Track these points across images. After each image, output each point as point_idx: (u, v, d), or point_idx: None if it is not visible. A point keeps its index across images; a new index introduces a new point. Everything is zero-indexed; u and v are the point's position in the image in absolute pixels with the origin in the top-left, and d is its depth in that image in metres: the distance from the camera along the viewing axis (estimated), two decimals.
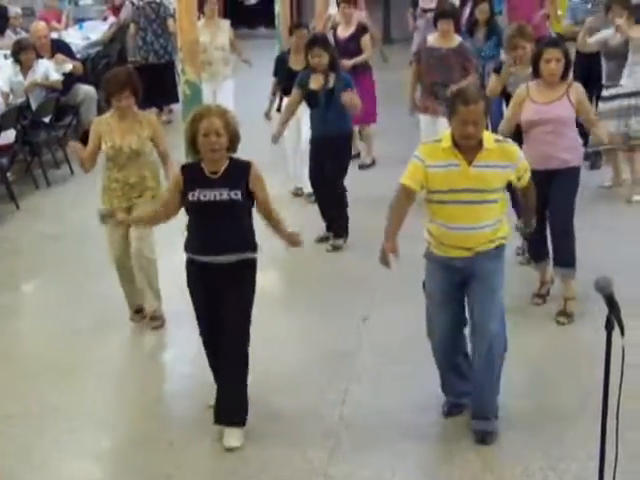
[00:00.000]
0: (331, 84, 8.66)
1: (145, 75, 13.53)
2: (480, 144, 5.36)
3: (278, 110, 10.00)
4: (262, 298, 5.95)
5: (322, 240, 9.08)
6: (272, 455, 5.62)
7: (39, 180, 11.16)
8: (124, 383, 6.58)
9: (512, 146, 5.54)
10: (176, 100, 13.87)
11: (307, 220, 9.11)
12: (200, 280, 5.70)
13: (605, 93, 9.81)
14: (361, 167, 11.41)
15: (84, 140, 12.23)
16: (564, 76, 7.01)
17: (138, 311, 7.43)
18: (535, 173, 6.42)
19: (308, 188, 9.77)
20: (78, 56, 12.97)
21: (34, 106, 11.36)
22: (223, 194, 5.55)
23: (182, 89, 9.43)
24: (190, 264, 5.75)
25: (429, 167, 5.40)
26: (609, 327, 3.58)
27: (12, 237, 9.60)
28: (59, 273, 8.50)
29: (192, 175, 5.64)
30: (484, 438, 5.63)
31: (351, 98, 8.54)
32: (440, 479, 5.37)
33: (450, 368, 5.87)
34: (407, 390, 6.21)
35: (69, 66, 12.15)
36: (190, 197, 5.58)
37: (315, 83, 8.72)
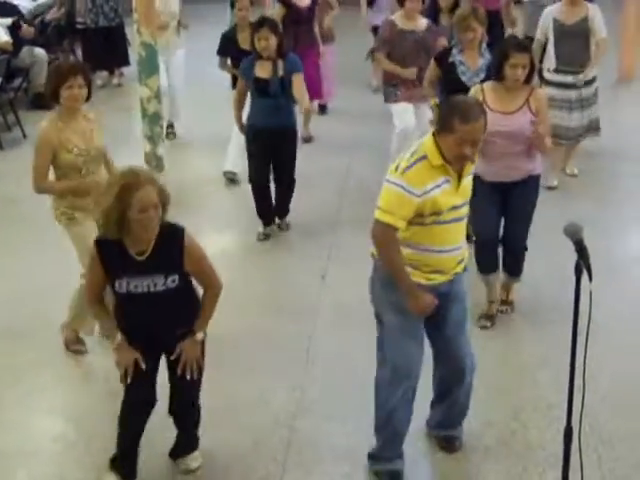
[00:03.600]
0: (281, 72, 8.01)
1: (96, 38, 13.63)
2: None
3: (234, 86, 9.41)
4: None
5: (266, 238, 8.50)
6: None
7: None
8: (88, 339, 6.59)
9: None
10: (127, 63, 13.81)
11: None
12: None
13: (560, 78, 9.20)
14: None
15: (35, 103, 12.29)
16: (527, 80, 6.38)
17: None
18: (493, 185, 6.39)
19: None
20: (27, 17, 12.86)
21: None
22: (158, 284, 4.70)
23: (137, 50, 9.35)
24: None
25: (424, 195, 4.59)
26: (578, 272, 3.69)
27: None
28: (16, 237, 8.45)
29: (113, 256, 4.65)
30: (454, 444, 5.41)
31: (302, 96, 8.09)
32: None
33: (407, 418, 5.13)
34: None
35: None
36: (117, 287, 4.71)
37: (262, 71, 8.02)
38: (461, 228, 4.85)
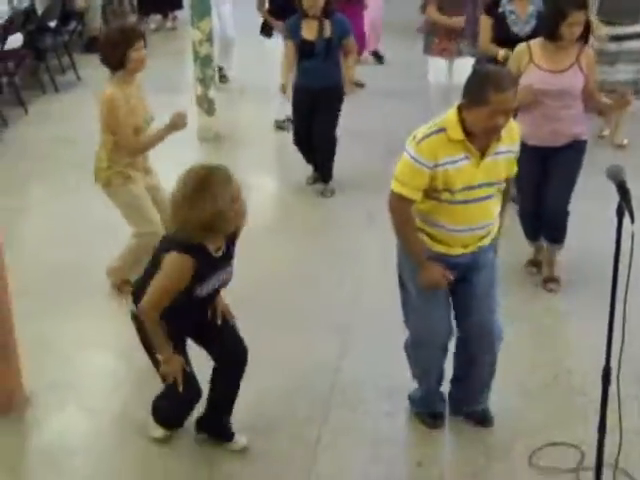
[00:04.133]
0: (328, 33, 7.85)
1: None
2: None
3: (262, 31, 9.57)
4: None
5: (315, 181, 8.49)
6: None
7: (46, 85, 11.17)
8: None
9: (514, 122, 4.73)
10: (180, 6, 13.85)
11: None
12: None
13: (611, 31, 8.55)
14: None
15: (89, 47, 12.39)
16: (581, 38, 6.07)
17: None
18: (536, 150, 6.12)
19: None
20: None
21: (40, 11, 11.32)
22: (227, 275, 4.64)
23: None
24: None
25: (436, 167, 4.44)
26: (620, 213, 3.68)
27: (21, 141, 9.64)
28: (68, 177, 8.57)
29: (203, 262, 4.41)
30: (487, 417, 5.22)
31: (353, 63, 8.11)
32: None
33: (441, 374, 5.14)
34: None
35: None
36: (198, 292, 4.49)
37: (309, 32, 7.86)
38: (484, 208, 4.60)
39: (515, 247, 6.76)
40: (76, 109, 10.42)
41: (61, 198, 8.20)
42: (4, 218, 7.18)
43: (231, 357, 4.85)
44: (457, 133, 4.43)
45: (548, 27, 6.03)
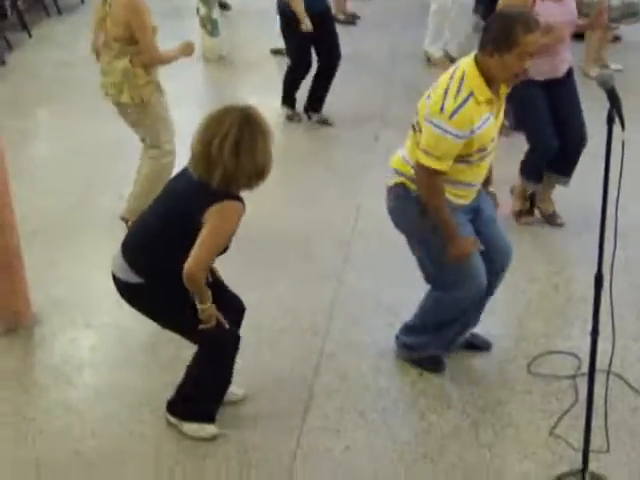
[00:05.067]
0: None
1: None
2: None
3: None
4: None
5: (324, 122, 8.27)
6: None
7: (50, 8, 11.14)
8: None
9: None
10: None
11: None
12: None
13: None
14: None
15: None
16: None
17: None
18: (543, 85, 5.92)
19: None
20: None
21: None
22: None
23: None
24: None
25: (472, 133, 4.30)
26: (610, 121, 3.70)
27: (26, 64, 9.67)
28: (73, 99, 8.60)
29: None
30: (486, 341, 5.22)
31: None
32: None
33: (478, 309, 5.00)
34: None
35: None
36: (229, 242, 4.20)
37: None
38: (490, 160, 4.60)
39: None
40: (80, 31, 10.30)
41: (66, 120, 8.25)
42: (10, 139, 7.21)
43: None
44: (485, 92, 4.29)
45: None
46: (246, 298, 5.38)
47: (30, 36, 10.35)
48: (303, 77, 8.19)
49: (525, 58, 4.22)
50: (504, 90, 4.46)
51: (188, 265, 3.97)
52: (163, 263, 4.15)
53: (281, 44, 8.87)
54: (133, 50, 5.93)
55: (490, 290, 4.88)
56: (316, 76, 8.18)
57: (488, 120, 4.33)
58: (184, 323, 4.29)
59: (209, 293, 4.16)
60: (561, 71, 6.04)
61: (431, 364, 5.00)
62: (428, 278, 4.84)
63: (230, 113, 3.98)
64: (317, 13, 7.78)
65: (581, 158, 6.23)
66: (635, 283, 5.64)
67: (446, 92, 4.26)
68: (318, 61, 8.11)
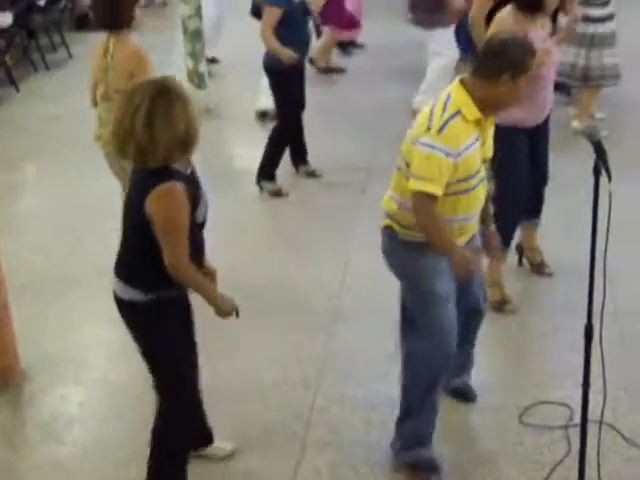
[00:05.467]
0: None
1: None
2: None
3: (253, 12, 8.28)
4: None
5: (312, 174, 8.09)
6: None
7: (37, 63, 11.19)
8: None
9: None
10: None
11: None
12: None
13: (598, 13, 8.25)
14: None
15: (79, 24, 12.41)
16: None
17: None
18: (526, 132, 5.73)
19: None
20: None
21: None
22: (205, 196, 4.08)
23: None
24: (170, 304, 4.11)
25: (459, 155, 4.15)
26: (597, 172, 3.74)
27: (14, 119, 9.69)
28: (61, 153, 8.62)
29: (186, 182, 3.88)
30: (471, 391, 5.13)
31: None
32: None
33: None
34: None
35: None
36: (197, 217, 3.98)
37: None
38: (484, 186, 4.43)
39: None
40: (68, 86, 10.44)
41: (54, 174, 8.26)
42: None
43: None
44: (474, 112, 4.19)
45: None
46: (236, 352, 5.38)
47: (18, 91, 10.39)
48: (290, 140, 7.85)
49: (527, 83, 4.26)
50: (491, 121, 4.38)
51: (168, 265, 3.86)
52: (144, 268, 3.98)
53: (266, 103, 8.88)
54: None
55: (468, 337, 4.84)
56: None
57: (474, 144, 4.22)
58: (164, 354, 4.14)
59: (212, 286, 4.11)
60: (546, 114, 5.92)
61: (426, 470, 4.62)
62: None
63: (143, 86, 3.82)
64: (298, 65, 7.50)
65: (569, 208, 6.24)
66: (625, 332, 5.63)
67: (431, 113, 4.18)
68: None
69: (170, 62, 10.63)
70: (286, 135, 7.76)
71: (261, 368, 5.47)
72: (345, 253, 6.72)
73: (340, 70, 10.85)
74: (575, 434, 4.50)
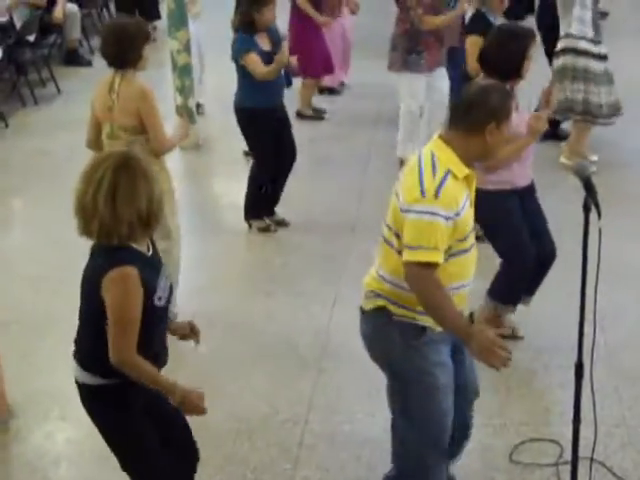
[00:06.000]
0: (270, 45, 7.36)
1: None
2: None
3: None
4: None
5: (280, 223, 7.85)
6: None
7: (26, 99, 11.18)
8: None
9: None
10: (158, 17, 13.84)
11: None
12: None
13: (594, 49, 8.17)
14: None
15: (68, 59, 12.44)
16: None
17: None
18: (517, 194, 5.54)
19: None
20: None
21: (18, 25, 11.33)
22: (167, 276, 3.86)
23: (167, 3, 9.43)
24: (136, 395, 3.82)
25: (458, 215, 3.83)
26: (586, 209, 3.75)
27: (2, 154, 9.67)
28: (50, 188, 8.60)
29: (144, 265, 3.67)
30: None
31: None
32: None
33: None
34: None
35: None
36: (157, 302, 3.71)
37: (265, 44, 7.31)
38: (477, 251, 4.10)
39: None
40: (56, 121, 10.44)
41: (43, 209, 8.23)
42: None
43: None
44: (462, 169, 3.88)
45: (512, 66, 5.40)
46: (225, 388, 5.35)
47: (7, 126, 10.37)
48: (270, 179, 7.64)
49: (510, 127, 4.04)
50: (475, 176, 4.07)
51: (111, 356, 3.62)
52: (103, 353, 3.68)
53: None
54: (142, 139, 5.79)
55: (465, 427, 4.42)
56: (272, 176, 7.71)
57: (467, 202, 3.92)
58: (131, 453, 3.91)
59: (165, 378, 3.73)
60: (531, 176, 5.70)
61: None
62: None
63: (106, 159, 3.64)
64: (272, 107, 7.38)
65: (563, 244, 6.17)
66: (614, 367, 5.62)
67: (420, 177, 3.84)
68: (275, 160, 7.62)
69: (160, 97, 10.64)
70: (263, 176, 7.62)
71: (249, 405, 5.44)
72: (333, 289, 6.70)
73: (322, 112, 10.53)
74: (566, 471, 4.49)
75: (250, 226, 7.72)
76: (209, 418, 5.13)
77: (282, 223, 7.85)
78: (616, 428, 5.14)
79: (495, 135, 3.90)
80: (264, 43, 7.29)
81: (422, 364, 4.01)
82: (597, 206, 3.77)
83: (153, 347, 3.76)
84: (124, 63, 5.77)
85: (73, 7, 12.63)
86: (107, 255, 3.63)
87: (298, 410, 5.38)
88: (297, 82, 9.46)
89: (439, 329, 3.95)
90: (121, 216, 3.54)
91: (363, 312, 4.16)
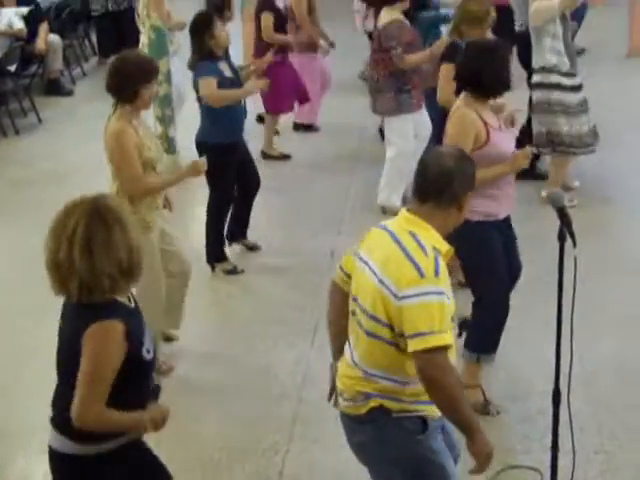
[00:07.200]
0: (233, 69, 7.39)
1: (106, 23, 13.77)
2: None
3: None
4: None
5: (252, 248, 7.90)
6: None
7: (7, 128, 11.19)
8: None
9: None
10: (138, 46, 13.89)
11: None
12: None
13: (568, 82, 8.13)
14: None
15: (49, 89, 12.47)
16: None
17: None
18: (497, 225, 5.38)
19: None
20: (41, 5, 12.95)
21: None
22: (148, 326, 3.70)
23: (147, 34, 9.49)
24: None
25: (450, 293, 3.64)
26: (561, 238, 3.79)
27: None
28: (31, 218, 8.58)
29: (129, 319, 3.48)
30: None
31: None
32: None
33: None
34: None
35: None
36: (145, 355, 3.50)
37: (227, 70, 7.24)
38: None
39: None
40: (37, 151, 10.46)
41: (22, 241, 8.21)
42: None
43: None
44: (444, 244, 3.66)
45: (500, 81, 5.29)
46: (205, 417, 5.33)
47: None
48: (227, 214, 7.53)
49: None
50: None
51: (74, 411, 3.36)
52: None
53: None
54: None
55: None
56: (237, 205, 7.64)
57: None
58: None
59: (124, 418, 3.46)
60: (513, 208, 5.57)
61: None
62: None
63: (76, 208, 3.39)
64: (234, 141, 7.27)
65: (540, 274, 6.14)
66: (592, 395, 5.64)
67: (411, 259, 3.55)
68: (238, 190, 7.56)
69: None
70: (221, 211, 7.50)
71: (230, 434, 5.43)
72: (314, 318, 6.71)
73: (286, 156, 10.24)
74: None
75: (213, 269, 7.54)
76: (189, 447, 5.19)
77: (254, 247, 7.86)
78: (595, 454, 5.15)
79: (468, 201, 3.75)
80: (225, 69, 7.21)
81: (432, 457, 3.73)
82: (572, 235, 3.82)
83: (142, 402, 3.56)
84: (119, 98, 5.58)
85: (55, 38, 12.68)
86: (89, 312, 3.39)
87: (278, 439, 5.38)
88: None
89: (437, 415, 3.69)
90: (101, 269, 3.32)
91: (352, 418, 3.80)
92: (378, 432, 3.70)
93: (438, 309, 3.44)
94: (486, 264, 4.93)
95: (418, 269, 3.49)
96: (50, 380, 3.66)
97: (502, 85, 5.28)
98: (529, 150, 5.35)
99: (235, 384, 5.95)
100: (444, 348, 3.44)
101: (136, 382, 3.50)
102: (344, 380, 3.79)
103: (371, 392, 3.68)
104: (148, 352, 3.50)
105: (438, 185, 3.65)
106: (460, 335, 5.69)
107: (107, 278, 3.33)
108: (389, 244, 3.62)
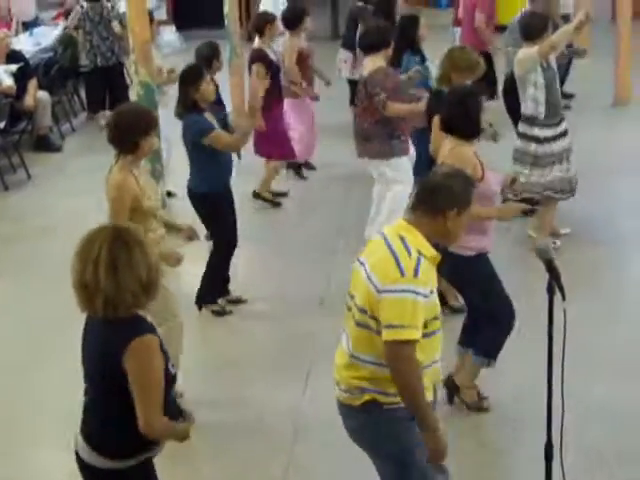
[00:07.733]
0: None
1: (95, 79, 13.84)
2: None
3: None
4: None
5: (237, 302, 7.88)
6: None
7: None
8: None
9: None
10: (128, 101, 13.96)
11: None
12: None
13: (549, 133, 8.19)
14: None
15: (39, 145, 12.50)
16: None
17: None
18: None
19: None
20: (30, 62, 13.03)
21: None
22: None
23: (135, 89, 9.55)
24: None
25: (432, 293, 4.03)
26: (550, 291, 3.80)
27: None
28: (22, 274, 8.59)
29: (157, 333, 3.86)
30: None
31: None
32: None
33: None
34: None
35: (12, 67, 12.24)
36: (171, 368, 3.89)
37: (212, 120, 7.32)
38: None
39: None
40: (27, 207, 10.46)
41: (13, 295, 8.21)
42: None
43: None
44: (430, 250, 4.05)
45: (476, 124, 5.68)
46: (198, 471, 5.29)
47: None
48: (230, 258, 7.64)
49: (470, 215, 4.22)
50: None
51: (141, 426, 3.70)
52: (115, 435, 3.81)
53: None
54: None
55: None
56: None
57: (434, 281, 4.09)
58: None
59: (179, 426, 3.86)
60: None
61: None
62: None
63: (98, 233, 3.75)
64: (225, 190, 7.44)
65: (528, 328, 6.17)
66: (583, 446, 5.61)
67: (396, 258, 3.97)
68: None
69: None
70: (221, 260, 7.61)
71: None
72: (306, 362, 6.69)
73: (283, 194, 10.41)
74: None
75: (200, 309, 7.61)
76: None
77: (239, 301, 7.85)
78: None
79: (455, 221, 4.08)
80: (212, 120, 7.28)
81: (416, 442, 4.09)
82: (561, 288, 3.83)
83: (167, 413, 3.82)
84: (119, 149, 5.70)
85: (44, 94, 12.71)
86: (121, 328, 3.71)
87: None
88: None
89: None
90: (125, 286, 3.64)
91: (348, 406, 4.20)
92: (370, 420, 4.12)
93: (411, 306, 3.88)
94: (492, 288, 5.35)
95: (400, 268, 3.94)
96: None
97: (477, 131, 5.67)
98: (524, 207, 5.70)
99: (226, 435, 5.92)
100: (412, 342, 3.88)
101: (165, 394, 3.78)
102: (341, 371, 4.21)
103: (366, 387, 4.09)
104: (173, 366, 3.88)
105: (425, 194, 4.12)
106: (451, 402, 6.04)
107: (130, 294, 3.66)
108: (382, 246, 4.07)
